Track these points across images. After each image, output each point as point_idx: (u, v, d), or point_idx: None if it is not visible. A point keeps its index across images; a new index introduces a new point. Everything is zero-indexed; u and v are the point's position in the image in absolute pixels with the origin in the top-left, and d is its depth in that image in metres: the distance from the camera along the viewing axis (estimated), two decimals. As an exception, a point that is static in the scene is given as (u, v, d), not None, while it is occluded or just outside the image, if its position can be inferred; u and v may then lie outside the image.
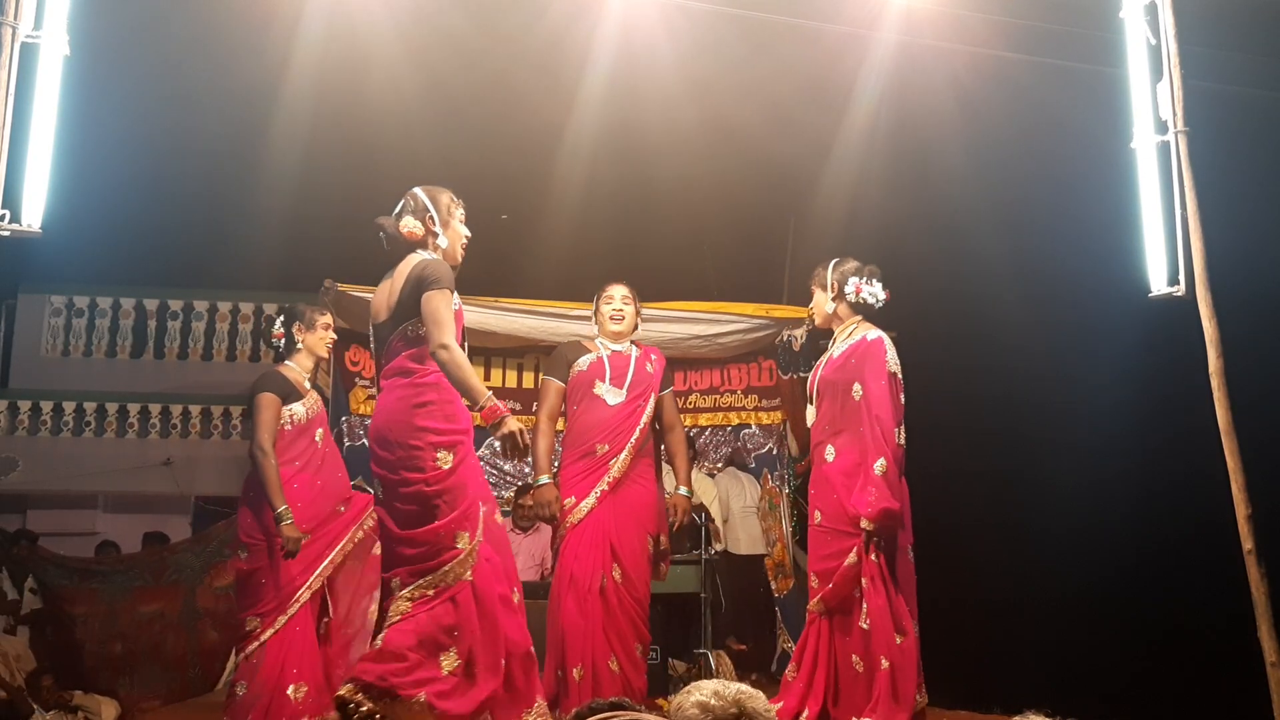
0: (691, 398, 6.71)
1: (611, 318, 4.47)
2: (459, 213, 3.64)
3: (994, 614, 8.39)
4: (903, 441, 3.89)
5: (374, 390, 6.47)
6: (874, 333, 4.04)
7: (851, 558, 3.86)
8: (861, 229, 7.69)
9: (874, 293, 4.09)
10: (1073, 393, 8.62)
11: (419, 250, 3.51)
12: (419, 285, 3.38)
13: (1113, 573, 8.27)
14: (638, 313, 4.54)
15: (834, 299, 4.14)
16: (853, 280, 4.09)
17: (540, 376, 4.78)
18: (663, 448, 4.60)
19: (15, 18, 3.23)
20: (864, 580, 3.82)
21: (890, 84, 6.06)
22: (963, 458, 8.79)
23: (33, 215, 3.29)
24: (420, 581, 3.28)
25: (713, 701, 1.64)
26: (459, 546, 3.30)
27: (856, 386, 3.94)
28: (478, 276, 7.23)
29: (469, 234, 3.66)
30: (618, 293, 4.49)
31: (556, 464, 4.46)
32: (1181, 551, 7.68)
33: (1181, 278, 3.79)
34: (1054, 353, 8.65)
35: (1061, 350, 8.67)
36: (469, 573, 3.30)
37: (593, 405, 4.35)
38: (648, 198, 8.34)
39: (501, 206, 8.38)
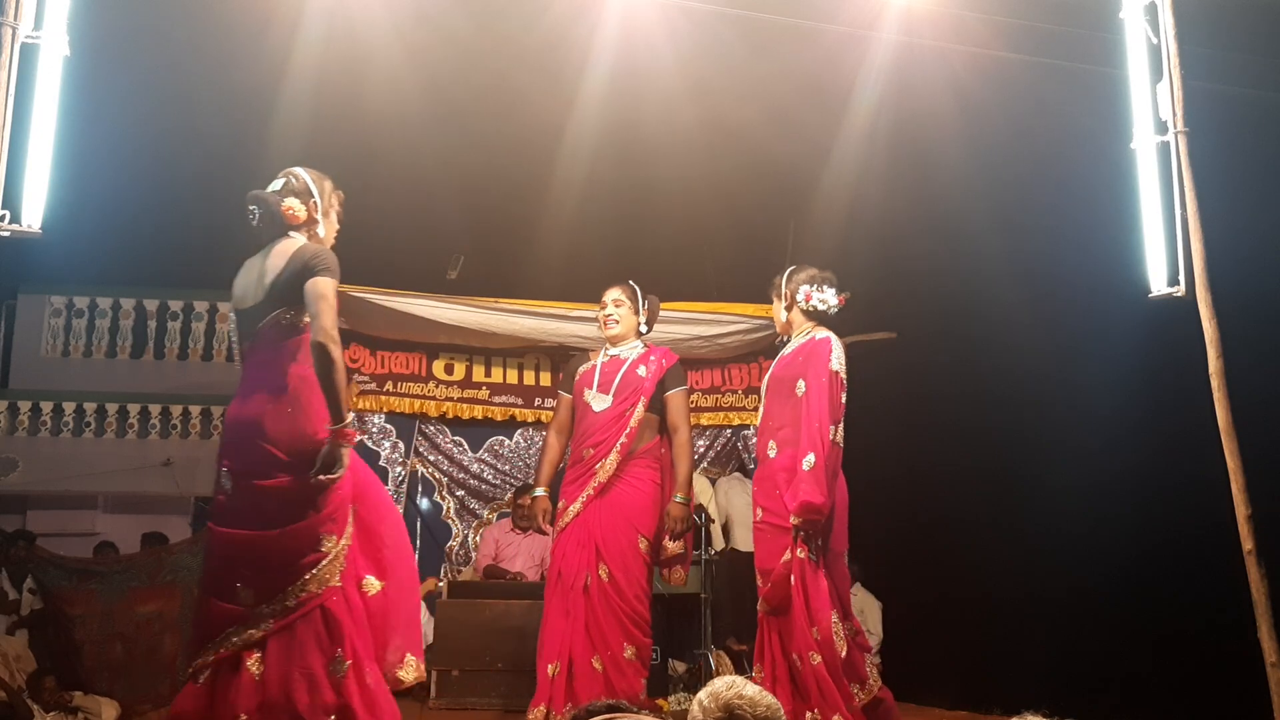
0: (692, 398, 6.71)
1: (604, 323, 4.55)
2: (337, 205, 3.46)
3: (994, 614, 8.37)
4: (839, 440, 3.92)
5: (372, 386, 6.59)
6: (823, 333, 4.12)
7: (786, 555, 3.90)
8: (861, 229, 7.67)
9: (824, 299, 4.15)
10: (1073, 393, 8.60)
11: (293, 234, 3.30)
12: (306, 270, 3.12)
13: (1113, 573, 8.24)
14: (640, 310, 4.55)
15: (786, 308, 4.24)
16: (804, 288, 4.17)
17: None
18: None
19: (15, 18, 3.23)
20: (792, 577, 3.87)
21: (890, 84, 6.05)
22: (963, 458, 8.77)
23: (33, 215, 3.29)
24: (280, 593, 3.00)
25: (706, 701, 1.65)
26: (324, 549, 3.03)
27: (800, 383, 4.02)
28: (478, 276, 7.26)
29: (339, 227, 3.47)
30: (609, 297, 4.55)
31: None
32: (1181, 551, 7.66)
33: (1181, 278, 3.80)
34: (1054, 353, 8.62)
35: (1061, 350, 8.64)
36: (336, 578, 3.05)
37: (584, 413, 4.45)
38: (648, 198, 8.31)
39: (502, 206, 8.35)
